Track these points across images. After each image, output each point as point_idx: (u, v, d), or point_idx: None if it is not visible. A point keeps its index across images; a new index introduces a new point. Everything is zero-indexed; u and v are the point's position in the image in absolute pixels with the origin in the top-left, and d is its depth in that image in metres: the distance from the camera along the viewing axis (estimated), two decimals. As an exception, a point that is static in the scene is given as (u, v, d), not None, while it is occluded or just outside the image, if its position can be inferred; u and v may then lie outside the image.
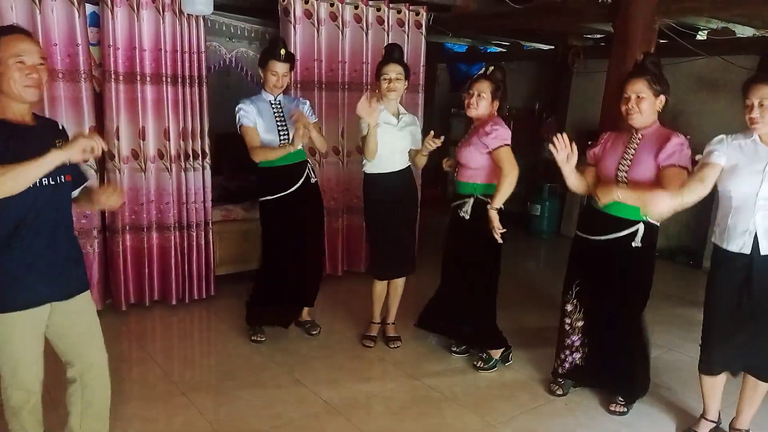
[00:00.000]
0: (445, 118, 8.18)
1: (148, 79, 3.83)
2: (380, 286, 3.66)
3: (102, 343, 2.30)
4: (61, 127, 2.21)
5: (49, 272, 2.07)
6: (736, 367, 2.67)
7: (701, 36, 5.70)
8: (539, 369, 3.43)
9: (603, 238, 2.81)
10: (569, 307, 3.04)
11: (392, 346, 3.68)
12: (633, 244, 2.74)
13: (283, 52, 3.40)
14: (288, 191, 3.47)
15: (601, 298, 2.92)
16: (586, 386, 3.17)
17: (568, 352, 3.11)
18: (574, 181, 2.82)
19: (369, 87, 4.67)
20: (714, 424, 2.82)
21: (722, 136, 2.55)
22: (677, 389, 3.26)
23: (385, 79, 3.35)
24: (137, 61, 3.78)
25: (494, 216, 3.05)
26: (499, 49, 7.86)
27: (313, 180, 3.58)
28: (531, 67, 7.49)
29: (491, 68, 3.21)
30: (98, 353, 2.28)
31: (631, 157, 2.73)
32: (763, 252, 2.43)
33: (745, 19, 4.70)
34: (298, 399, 3.06)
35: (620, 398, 3.01)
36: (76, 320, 2.19)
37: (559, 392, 3.15)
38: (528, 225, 6.74)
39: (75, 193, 2.21)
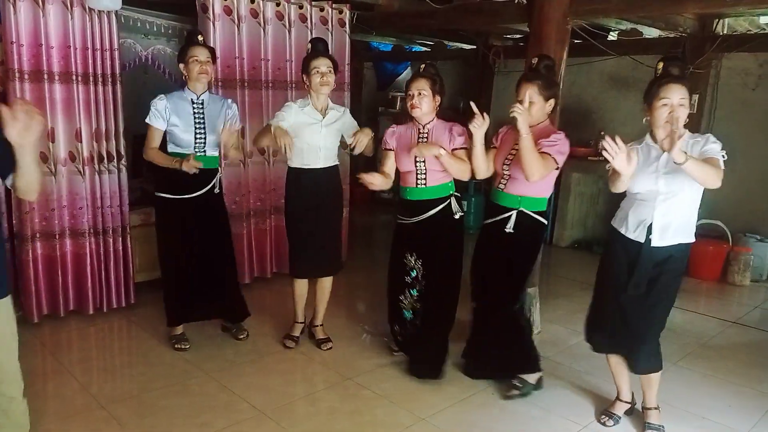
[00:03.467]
0: (372, 117, 8.21)
1: (56, 77, 3.63)
2: (300, 285, 3.59)
3: (11, 357, 2.12)
4: None
5: None
6: (610, 347, 2.88)
7: (612, 36, 6.00)
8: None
9: (488, 222, 3.12)
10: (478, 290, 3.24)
11: (324, 348, 3.64)
12: (506, 230, 2.99)
13: (200, 37, 3.35)
14: (188, 195, 3.36)
15: (488, 278, 3.15)
16: (479, 376, 3.31)
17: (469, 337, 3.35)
18: (480, 151, 2.97)
19: (293, 86, 4.61)
20: (629, 405, 2.99)
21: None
22: (596, 374, 3.41)
23: (317, 73, 3.27)
24: (44, 58, 3.57)
25: (433, 151, 3.02)
26: (424, 48, 7.97)
27: (216, 191, 3.48)
28: (455, 66, 7.64)
29: (423, 66, 3.22)
30: (10, 366, 2.10)
31: (515, 152, 2.92)
32: (653, 243, 2.61)
33: (651, 20, 4.98)
34: (226, 406, 2.98)
35: (515, 381, 3.15)
36: None
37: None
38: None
39: (8, 183, 1.98)
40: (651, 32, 5.70)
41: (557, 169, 2.91)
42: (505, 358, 3.18)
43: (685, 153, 2.36)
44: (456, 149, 3.15)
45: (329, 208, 3.50)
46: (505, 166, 3.01)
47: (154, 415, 2.88)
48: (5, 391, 2.14)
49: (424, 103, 3.13)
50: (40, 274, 3.78)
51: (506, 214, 3.01)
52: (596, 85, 6.24)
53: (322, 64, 3.28)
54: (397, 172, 3.30)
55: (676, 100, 2.50)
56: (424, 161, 3.14)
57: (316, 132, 3.33)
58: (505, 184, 3.02)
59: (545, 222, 3.07)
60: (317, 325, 3.72)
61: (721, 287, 5.14)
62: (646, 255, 2.63)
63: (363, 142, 3.27)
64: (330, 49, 4.79)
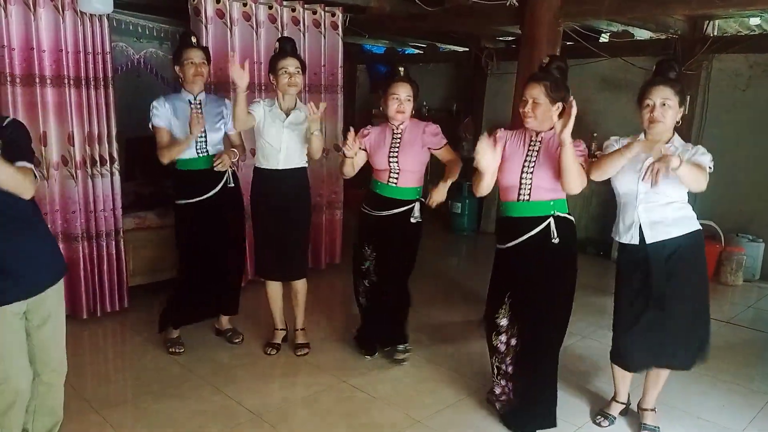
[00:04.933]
0: (366, 119, 8.21)
1: (48, 81, 3.61)
2: (272, 288, 3.57)
3: (63, 343, 2.36)
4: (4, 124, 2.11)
5: (14, 271, 2.11)
6: (644, 364, 2.79)
7: (604, 38, 6.03)
8: (461, 363, 3.51)
9: (518, 241, 2.74)
10: (504, 322, 2.83)
11: (299, 353, 3.58)
12: (553, 241, 2.68)
13: (194, 39, 3.34)
14: (205, 196, 3.37)
15: (531, 307, 2.77)
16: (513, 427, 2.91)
17: (504, 382, 2.90)
18: (491, 178, 2.74)
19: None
20: (624, 406, 3.00)
21: (614, 137, 2.74)
22: (590, 374, 3.43)
23: (285, 73, 3.24)
24: (35, 62, 3.56)
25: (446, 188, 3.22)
26: (417, 51, 7.98)
27: (231, 185, 3.48)
28: (448, 68, 7.66)
29: (401, 69, 3.21)
30: (58, 353, 2.35)
31: (535, 159, 2.72)
32: (648, 241, 2.62)
33: (641, 22, 5.02)
34: (221, 410, 2.97)
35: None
36: (43, 317, 2.23)
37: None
38: (449, 223, 6.88)
39: None
40: (642, 34, 5.74)
41: None
42: (540, 406, 2.85)
43: (680, 157, 2.37)
44: (438, 149, 3.24)
45: (292, 210, 3.44)
46: (525, 175, 2.72)
47: (149, 420, 2.86)
48: (46, 378, 2.32)
49: (408, 108, 3.19)
50: (33, 279, 3.75)
51: (542, 226, 2.69)
52: (588, 87, 6.26)
53: (290, 65, 3.25)
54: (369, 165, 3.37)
55: (658, 100, 2.52)
56: (397, 161, 3.20)
57: (277, 132, 3.30)
58: (529, 194, 2.72)
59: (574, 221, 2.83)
60: (297, 329, 3.67)
61: (714, 287, 5.15)
62: (651, 253, 2.63)
63: (315, 145, 3.30)
64: (322, 51, 4.84)
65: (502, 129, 2.90)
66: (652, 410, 2.90)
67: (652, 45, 5.74)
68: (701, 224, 2.73)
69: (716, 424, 2.99)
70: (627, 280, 2.74)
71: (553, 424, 2.86)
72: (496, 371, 2.92)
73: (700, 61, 5.43)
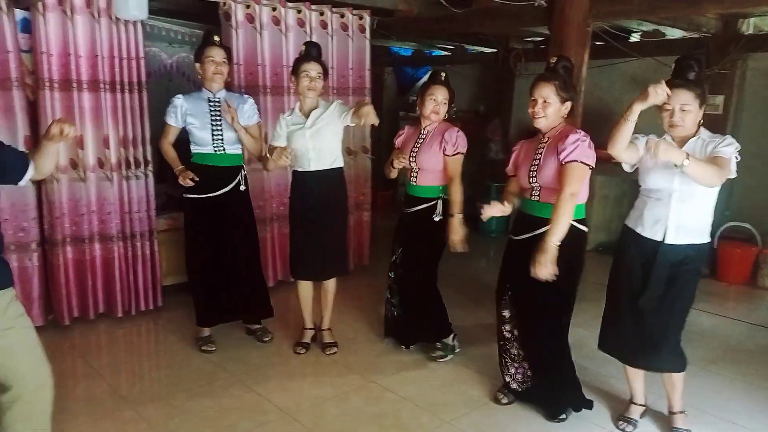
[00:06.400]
0: (393, 122, 8.23)
1: (84, 86, 3.72)
2: (303, 287, 3.61)
3: (38, 358, 2.17)
4: None
5: None
6: (625, 356, 2.83)
7: (634, 38, 5.95)
8: (490, 365, 3.48)
9: (526, 236, 2.83)
10: (506, 313, 3.02)
11: (327, 352, 3.61)
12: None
13: (217, 38, 3.40)
14: (215, 193, 3.45)
15: (528, 301, 2.90)
16: (532, 403, 3.06)
17: (517, 365, 3.04)
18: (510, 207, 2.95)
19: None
20: (643, 408, 2.95)
21: (638, 135, 2.65)
22: (620, 378, 3.35)
23: (306, 77, 3.29)
24: (73, 67, 3.67)
25: (458, 222, 3.33)
26: (444, 53, 7.98)
27: (242, 188, 3.54)
28: (475, 69, 7.64)
29: (443, 74, 3.33)
30: (34, 369, 2.15)
31: (539, 161, 2.79)
32: (668, 241, 2.59)
33: (673, 21, 4.94)
34: (251, 407, 3.02)
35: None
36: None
37: (505, 401, 3.09)
38: (477, 225, 6.84)
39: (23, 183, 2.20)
40: (674, 33, 5.65)
41: (591, 168, 2.71)
42: (555, 391, 2.98)
43: (687, 154, 2.34)
44: (447, 156, 3.29)
45: (327, 210, 3.46)
46: (532, 179, 2.81)
47: (181, 416, 2.93)
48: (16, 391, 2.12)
49: (442, 110, 3.33)
50: (71, 278, 3.87)
51: (545, 228, 2.69)
52: (618, 87, 6.18)
53: (312, 69, 3.30)
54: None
55: (677, 105, 2.49)
56: (415, 160, 3.35)
57: (301, 136, 3.35)
58: (539, 195, 2.82)
59: (586, 230, 2.84)
60: (324, 329, 3.71)
61: (751, 291, 5.03)
62: (662, 253, 2.61)
63: (368, 114, 3.12)
64: (350, 54, 4.88)
65: (520, 143, 3.02)
66: (681, 413, 2.86)
67: (684, 44, 5.64)
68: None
69: (751, 429, 2.92)
70: (629, 271, 2.72)
71: (587, 406, 2.98)
72: (508, 356, 3.07)
73: (733, 60, 5.32)
